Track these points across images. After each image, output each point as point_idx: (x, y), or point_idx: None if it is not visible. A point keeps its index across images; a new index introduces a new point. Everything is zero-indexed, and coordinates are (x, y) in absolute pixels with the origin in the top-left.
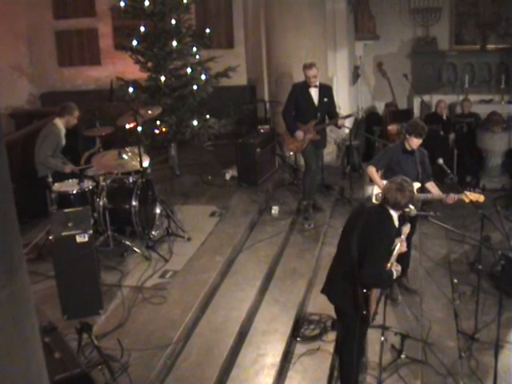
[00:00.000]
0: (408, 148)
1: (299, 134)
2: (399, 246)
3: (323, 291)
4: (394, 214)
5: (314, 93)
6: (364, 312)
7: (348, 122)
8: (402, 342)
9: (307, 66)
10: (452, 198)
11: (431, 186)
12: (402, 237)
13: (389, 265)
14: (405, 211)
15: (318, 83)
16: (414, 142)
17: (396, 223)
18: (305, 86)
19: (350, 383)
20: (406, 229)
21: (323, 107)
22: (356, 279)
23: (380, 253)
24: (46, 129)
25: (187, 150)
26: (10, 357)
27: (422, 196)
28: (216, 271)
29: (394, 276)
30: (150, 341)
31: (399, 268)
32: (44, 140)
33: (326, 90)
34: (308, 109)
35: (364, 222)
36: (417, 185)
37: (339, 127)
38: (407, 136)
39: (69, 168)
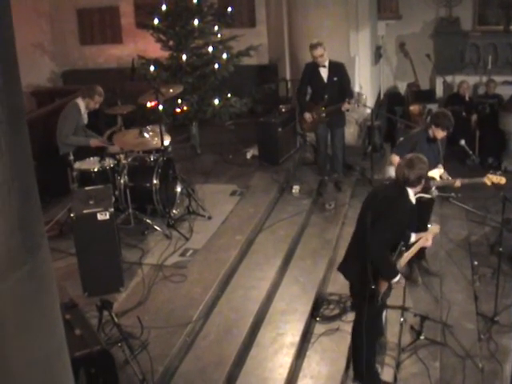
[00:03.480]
0: (432, 136)
1: (306, 115)
2: (423, 240)
3: (339, 268)
4: (411, 191)
5: (324, 72)
6: (372, 286)
7: (369, 102)
8: (422, 323)
9: (312, 46)
10: (461, 181)
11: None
12: (428, 234)
13: (404, 258)
14: (426, 191)
15: (326, 63)
16: (440, 134)
17: (413, 199)
18: (315, 65)
19: (362, 364)
20: (435, 228)
21: (333, 86)
22: (368, 254)
23: (388, 221)
24: (66, 108)
25: (208, 129)
26: (31, 333)
27: (439, 182)
28: (236, 250)
29: (396, 279)
30: (169, 319)
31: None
32: (64, 120)
33: (336, 69)
34: (318, 88)
35: (380, 198)
36: (440, 171)
37: (347, 110)
38: (433, 126)
39: (93, 142)
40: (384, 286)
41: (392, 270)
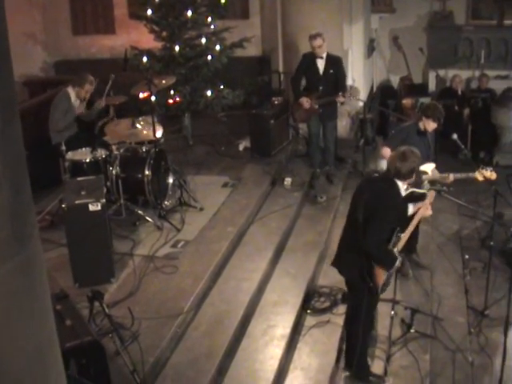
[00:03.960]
0: (422, 129)
1: (303, 100)
2: (423, 209)
3: (333, 264)
4: (400, 184)
5: (320, 64)
6: (370, 284)
7: (362, 95)
8: (412, 316)
9: (312, 37)
10: (454, 175)
11: None
12: (427, 201)
13: (404, 237)
14: (418, 185)
15: (324, 54)
16: (431, 126)
17: (402, 192)
18: (312, 56)
19: (355, 355)
20: (432, 194)
21: (328, 79)
22: (362, 249)
23: (383, 221)
24: (56, 97)
25: (201, 120)
26: (22, 323)
27: (431, 176)
28: (228, 242)
29: (397, 263)
30: (160, 310)
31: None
32: (54, 110)
33: (333, 62)
34: (313, 79)
35: (370, 191)
36: (431, 165)
37: (341, 103)
38: (424, 118)
39: (100, 103)
40: (383, 277)
41: (391, 259)
